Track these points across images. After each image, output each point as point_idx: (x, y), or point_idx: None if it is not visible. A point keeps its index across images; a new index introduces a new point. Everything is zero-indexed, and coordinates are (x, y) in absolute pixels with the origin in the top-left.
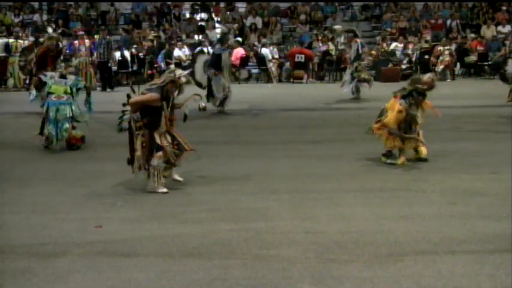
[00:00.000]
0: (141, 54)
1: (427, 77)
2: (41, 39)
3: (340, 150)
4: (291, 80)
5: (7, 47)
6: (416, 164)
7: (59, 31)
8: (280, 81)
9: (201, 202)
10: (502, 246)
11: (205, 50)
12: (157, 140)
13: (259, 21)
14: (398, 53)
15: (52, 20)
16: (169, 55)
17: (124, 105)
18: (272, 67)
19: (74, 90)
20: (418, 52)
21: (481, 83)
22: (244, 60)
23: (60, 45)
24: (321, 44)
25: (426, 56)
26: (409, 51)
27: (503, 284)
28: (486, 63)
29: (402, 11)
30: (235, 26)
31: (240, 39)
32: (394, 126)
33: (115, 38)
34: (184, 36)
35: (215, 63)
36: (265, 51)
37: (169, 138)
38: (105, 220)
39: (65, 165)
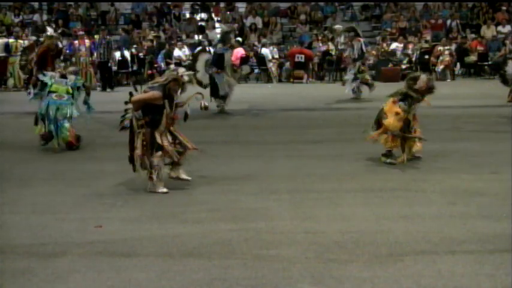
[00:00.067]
0: (141, 54)
1: (422, 81)
2: (41, 39)
3: (340, 150)
4: (291, 80)
5: (7, 47)
6: (416, 164)
7: (59, 31)
8: (280, 81)
9: (201, 202)
10: (502, 246)
11: (207, 49)
12: (158, 139)
13: (259, 21)
14: (398, 53)
15: (52, 20)
16: (169, 55)
17: (126, 103)
18: (272, 67)
19: (75, 91)
20: (418, 52)
21: (481, 83)
22: (244, 60)
23: (60, 45)
24: (321, 44)
25: (426, 56)
26: (409, 51)
27: (503, 284)
28: (486, 63)
29: (402, 11)
30: (235, 26)
31: (240, 39)
32: (397, 129)
33: (115, 38)
34: (184, 36)
35: (218, 62)
36: (265, 51)
37: (170, 137)
38: (105, 220)
39: (65, 165)
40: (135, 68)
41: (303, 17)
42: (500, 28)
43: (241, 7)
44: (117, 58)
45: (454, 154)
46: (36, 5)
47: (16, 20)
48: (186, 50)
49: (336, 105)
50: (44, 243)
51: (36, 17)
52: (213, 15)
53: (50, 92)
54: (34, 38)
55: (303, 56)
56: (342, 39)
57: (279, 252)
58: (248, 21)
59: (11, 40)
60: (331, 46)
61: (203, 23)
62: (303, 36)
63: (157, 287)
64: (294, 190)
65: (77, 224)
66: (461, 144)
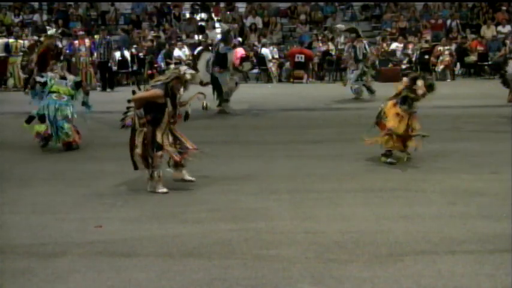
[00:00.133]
0: (141, 54)
1: (419, 88)
2: (42, 39)
3: (340, 150)
4: (291, 80)
5: (7, 47)
6: (416, 164)
7: (59, 31)
8: (280, 81)
9: (201, 202)
10: (502, 246)
11: (209, 48)
12: (159, 139)
13: (259, 21)
14: (398, 53)
15: (52, 20)
16: (169, 55)
17: (129, 101)
18: (272, 67)
19: (75, 91)
20: (418, 52)
21: (481, 83)
22: (244, 61)
23: (60, 45)
24: (321, 44)
25: (426, 56)
26: (409, 51)
27: (503, 284)
28: (486, 63)
29: (402, 11)
30: (236, 25)
31: (240, 39)
32: (401, 131)
33: (115, 38)
34: (184, 36)
35: (221, 62)
36: (265, 51)
37: (171, 138)
38: (105, 220)
39: (65, 165)
40: (135, 68)
41: (303, 17)
42: (500, 28)
43: (241, 7)
44: (117, 58)
45: (454, 154)
46: (36, 5)
47: (16, 20)
48: (186, 50)
49: (336, 105)
50: (44, 243)
51: (36, 17)
52: (213, 15)
53: (50, 92)
54: (35, 38)
55: (303, 56)
56: (342, 39)
57: (279, 252)
58: (248, 21)
59: (11, 40)
60: (331, 46)
61: (203, 23)
62: (303, 36)
63: (157, 287)
64: (294, 190)
65: (77, 224)
66: (461, 144)
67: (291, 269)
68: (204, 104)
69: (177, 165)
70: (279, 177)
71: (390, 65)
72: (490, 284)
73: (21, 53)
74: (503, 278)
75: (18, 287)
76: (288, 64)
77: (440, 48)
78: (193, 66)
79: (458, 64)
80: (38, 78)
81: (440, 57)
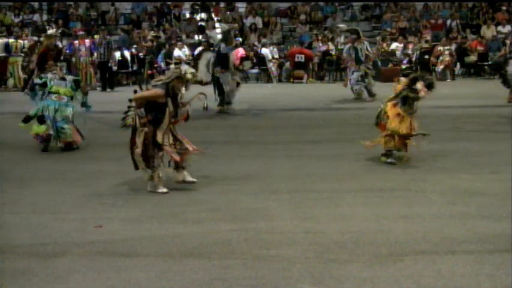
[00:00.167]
0: (141, 54)
1: (420, 89)
2: (41, 39)
3: (340, 150)
4: (291, 80)
5: (7, 47)
6: (416, 164)
7: (59, 31)
8: (280, 81)
9: (201, 202)
10: (502, 246)
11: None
12: (159, 139)
13: (259, 21)
14: (398, 53)
15: (52, 20)
16: (169, 55)
17: (130, 101)
18: (272, 67)
19: (74, 92)
20: (418, 52)
21: (481, 83)
22: (244, 60)
23: (60, 45)
24: (321, 44)
25: (426, 56)
26: (409, 51)
27: (503, 284)
28: (486, 63)
29: (402, 11)
30: (236, 25)
31: (240, 39)
32: (404, 130)
33: (115, 38)
34: (184, 36)
35: (223, 62)
36: (265, 51)
37: (171, 138)
38: (105, 220)
39: (65, 165)
40: (135, 68)
41: (303, 17)
42: (500, 28)
43: (241, 7)
44: (117, 58)
45: (454, 154)
46: (36, 5)
47: (16, 20)
48: (186, 50)
49: (336, 105)
50: (44, 243)
51: (36, 17)
52: (213, 15)
53: (49, 93)
54: (35, 38)
55: (303, 56)
56: (342, 39)
57: (279, 252)
58: (248, 21)
59: (11, 40)
60: (331, 46)
61: (203, 23)
62: (303, 36)
63: (157, 287)
64: (294, 190)
65: (77, 224)
66: (461, 144)
67: (291, 269)
68: (205, 105)
69: (178, 167)
70: (279, 177)
71: (390, 65)
72: (490, 284)
73: (20, 53)
74: (503, 278)
75: (18, 287)
76: (288, 64)
77: (440, 48)
78: (194, 66)
79: (458, 64)
80: (36, 81)
81: (440, 57)
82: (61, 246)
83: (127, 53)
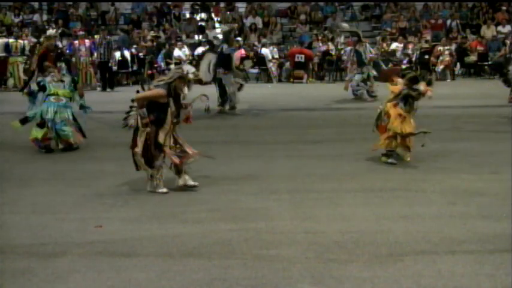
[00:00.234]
0: (141, 54)
1: (422, 88)
2: (41, 40)
3: (340, 150)
4: (291, 80)
5: (7, 47)
6: (417, 164)
7: (59, 31)
8: (280, 81)
9: (201, 202)
10: (502, 246)
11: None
12: (161, 139)
13: (259, 21)
14: (398, 53)
15: (52, 20)
16: (169, 55)
17: (133, 101)
18: (272, 67)
19: (73, 93)
20: (418, 52)
21: (481, 83)
22: (244, 60)
23: (60, 45)
24: (321, 44)
25: (426, 56)
26: (409, 51)
27: (503, 284)
28: (486, 63)
29: (402, 11)
30: (236, 25)
31: (240, 39)
32: (407, 130)
33: (115, 38)
34: (184, 36)
35: (225, 63)
36: (265, 51)
37: (172, 140)
38: (105, 220)
39: (65, 165)
40: (135, 68)
41: (303, 17)
42: (500, 28)
43: (241, 7)
44: (117, 58)
45: (454, 154)
46: (36, 5)
47: (16, 20)
48: (186, 50)
49: (336, 105)
50: (44, 243)
51: (36, 17)
52: (213, 15)
53: (48, 95)
54: (34, 40)
55: (303, 56)
56: (342, 39)
57: (279, 252)
58: (248, 21)
59: (11, 40)
60: (331, 46)
61: (203, 23)
62: (303, 36)
63: (157, 287)
64: (294, 190)
65: (77, 224)
66: (461, 144)
67: (291, 269)
68: (207, 106)
69: (179, 171)
70: (279, 177)
71: (390, 65)
72: (490, 284)
73: (20, 53)
74: (503, 278)
75: (18, 287)
76: (288, 64)
77: (440, 48)
78: (196, 65)
79: (458, 64)
80: (33, 87)
81: (440, 57)
82: (61, 246)
83: (127, 53)
